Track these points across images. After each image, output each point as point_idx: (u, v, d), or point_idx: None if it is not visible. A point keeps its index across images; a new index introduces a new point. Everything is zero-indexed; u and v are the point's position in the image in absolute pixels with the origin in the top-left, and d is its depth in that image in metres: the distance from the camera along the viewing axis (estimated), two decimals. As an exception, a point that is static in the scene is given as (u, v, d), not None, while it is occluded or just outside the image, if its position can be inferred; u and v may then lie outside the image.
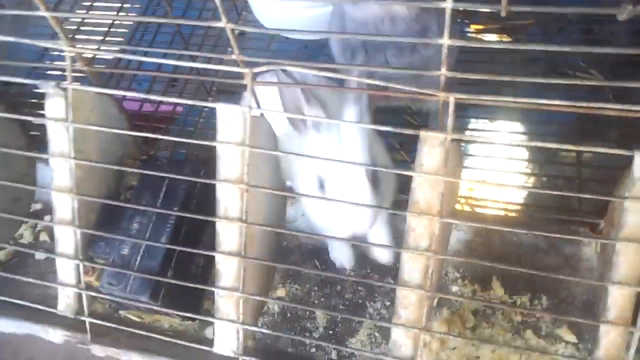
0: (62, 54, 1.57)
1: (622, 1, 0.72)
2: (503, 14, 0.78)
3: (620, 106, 0.86)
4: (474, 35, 2.09)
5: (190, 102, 1.06)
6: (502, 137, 1.64)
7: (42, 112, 1.51)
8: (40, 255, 1.52)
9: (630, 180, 0.93)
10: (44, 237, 1.54)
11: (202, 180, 1.07)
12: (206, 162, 1.38)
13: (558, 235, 1.19)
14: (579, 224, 1.28)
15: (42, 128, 1.52)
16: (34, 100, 1.59)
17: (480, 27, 2.09)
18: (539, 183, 1.62)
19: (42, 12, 0.99)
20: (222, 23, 0.90)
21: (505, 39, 2.05)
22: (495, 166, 1.51)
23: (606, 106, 0.86)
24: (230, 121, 1.04)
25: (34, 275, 1.42)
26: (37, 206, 1.56)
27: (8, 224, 1.42)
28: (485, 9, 0.81)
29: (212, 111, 1.04)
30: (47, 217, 1.55)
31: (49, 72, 1.77)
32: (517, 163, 1.59)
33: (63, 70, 1.53)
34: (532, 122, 1.67)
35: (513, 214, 1.41)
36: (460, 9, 0.80)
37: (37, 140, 1.44)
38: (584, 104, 0.87)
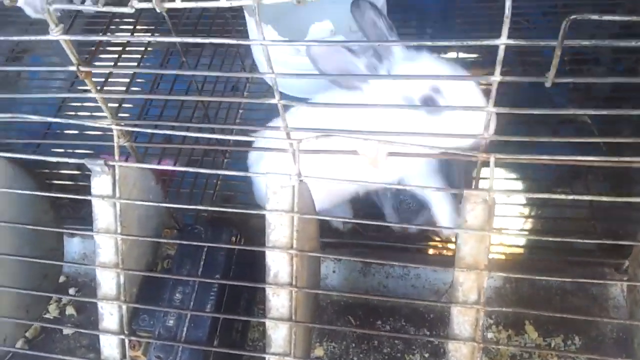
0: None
1: None
2: (548, 84, 0.85)
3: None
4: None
5: (241, 173, 1.09)
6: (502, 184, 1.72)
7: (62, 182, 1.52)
8: (67, 330, 1.49)
9: (664, 225, 0.99)
10: (70, 310, 1.51)
11: (250, 248, 1.09)
12: (240, 225, 1.41)
13: (598, 282, 1.24)
14: (602, 265, 1.34)
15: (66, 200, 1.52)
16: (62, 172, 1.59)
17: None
18: (543, 225, 1.68)
19: (93, 94, 1.02)
20: (275, 100, 0.95)
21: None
22: (509, 212, 1.58)
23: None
24: (278, 190, 1.07)
25: (62, 352, 1.40)
26: (61, 279, 1.55)
27: (38, 301, 1.39)
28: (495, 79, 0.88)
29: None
30: (71, 290, 1.53)
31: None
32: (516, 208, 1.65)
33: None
34: (526, 167, 1.75)
35: (536, 258, 1.46)
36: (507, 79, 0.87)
37: (64, 212, 1.44)
38: (616, 159, 0.95)
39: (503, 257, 1.44)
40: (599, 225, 1.49)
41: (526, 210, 1.63)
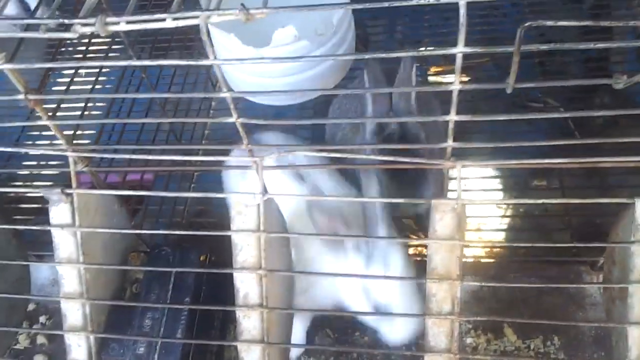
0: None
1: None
2: (509, 90, 0.83)
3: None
4: (433, 77, 2.17)
5: (202, 195, 1.06)
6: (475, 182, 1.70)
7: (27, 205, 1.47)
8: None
9: (634, 226, 0.98)
10: (41, 339, 1.47)
11: (219, 271, 1.06)
12: (212, 241, 1.37)
13: (576, 286, 1.23)
14: (577, 263, 1.33)
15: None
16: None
17: (439, 68, 2.18)
18: (520, 221, 1.66)
19: (44, 122, 0.98)
20: (233, 118, 0.92)
21: (464, 77, 2.15)
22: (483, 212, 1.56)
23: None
24: (243, 209, 1.04)
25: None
26: (31, 307, 1.50)
27: (6, 333, 1.35)
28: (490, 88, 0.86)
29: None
30: (41, 318, 1.49)
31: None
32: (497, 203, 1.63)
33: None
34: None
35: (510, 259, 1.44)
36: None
37: (30, 236, 1.40)
38: (588, 159, 0.94)
39: (478, 259, 1.43)
40: (574, 220, 1.48)
41: (502, 207, 1.61)
